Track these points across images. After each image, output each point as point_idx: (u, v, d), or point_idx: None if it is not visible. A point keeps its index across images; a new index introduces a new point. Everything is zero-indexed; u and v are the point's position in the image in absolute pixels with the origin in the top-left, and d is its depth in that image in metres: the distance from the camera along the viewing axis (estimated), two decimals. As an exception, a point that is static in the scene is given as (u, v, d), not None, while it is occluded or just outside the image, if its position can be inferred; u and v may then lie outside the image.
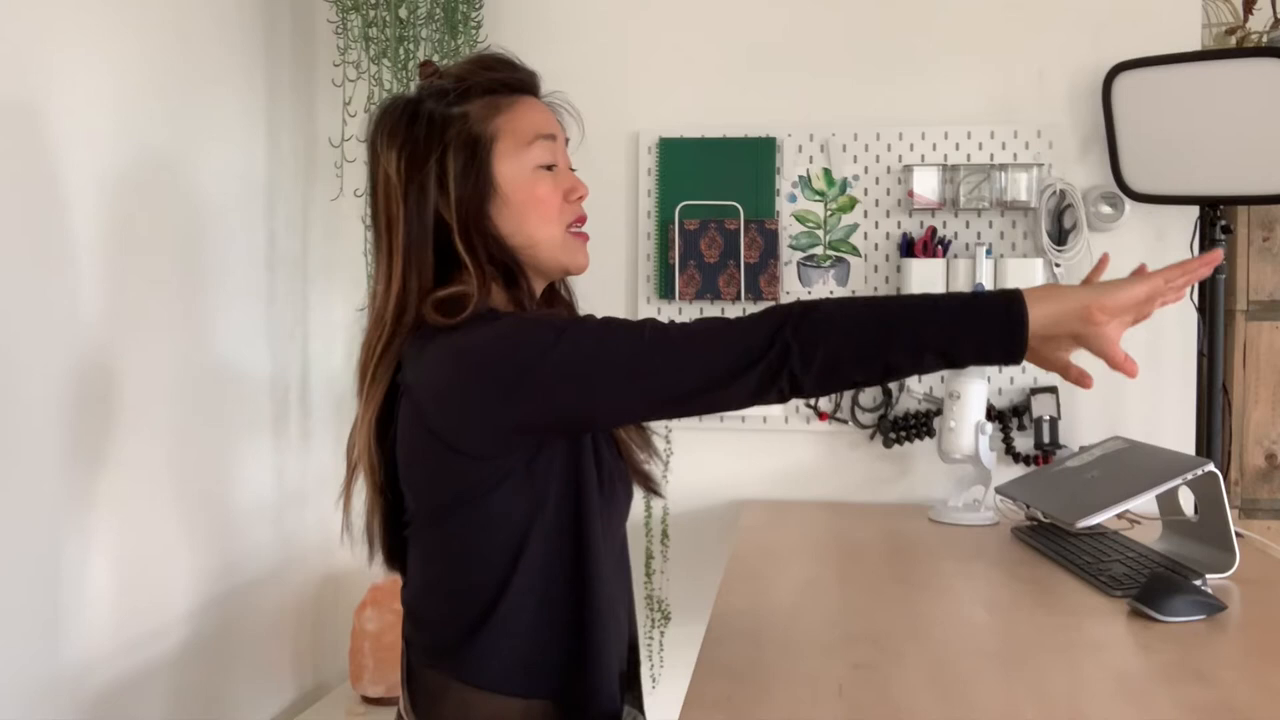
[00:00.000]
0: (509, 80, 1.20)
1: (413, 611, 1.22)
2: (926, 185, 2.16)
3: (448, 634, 1.17)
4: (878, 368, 1.04)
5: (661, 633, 2.26)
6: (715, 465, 2.25)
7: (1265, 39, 2.21)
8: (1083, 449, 1.95)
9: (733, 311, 2.24)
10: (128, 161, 1.68)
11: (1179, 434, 2.08)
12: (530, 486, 1.13)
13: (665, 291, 2.24)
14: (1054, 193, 2.12)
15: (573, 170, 1.24)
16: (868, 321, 1.05)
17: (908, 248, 2.15)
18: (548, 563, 1.14)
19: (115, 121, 1.65)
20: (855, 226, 2.21)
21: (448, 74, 1.21)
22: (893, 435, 2.18)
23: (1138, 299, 1.04)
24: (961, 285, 2.11)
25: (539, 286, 1.24)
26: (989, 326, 1.03)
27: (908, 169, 2.17)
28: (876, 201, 2.21)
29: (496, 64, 1.22)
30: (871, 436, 2.21)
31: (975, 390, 2.03)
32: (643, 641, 2.26)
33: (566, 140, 1.26)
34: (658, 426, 2.22)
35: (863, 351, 1.04)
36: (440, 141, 1.16)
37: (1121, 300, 1.03)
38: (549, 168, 1.19)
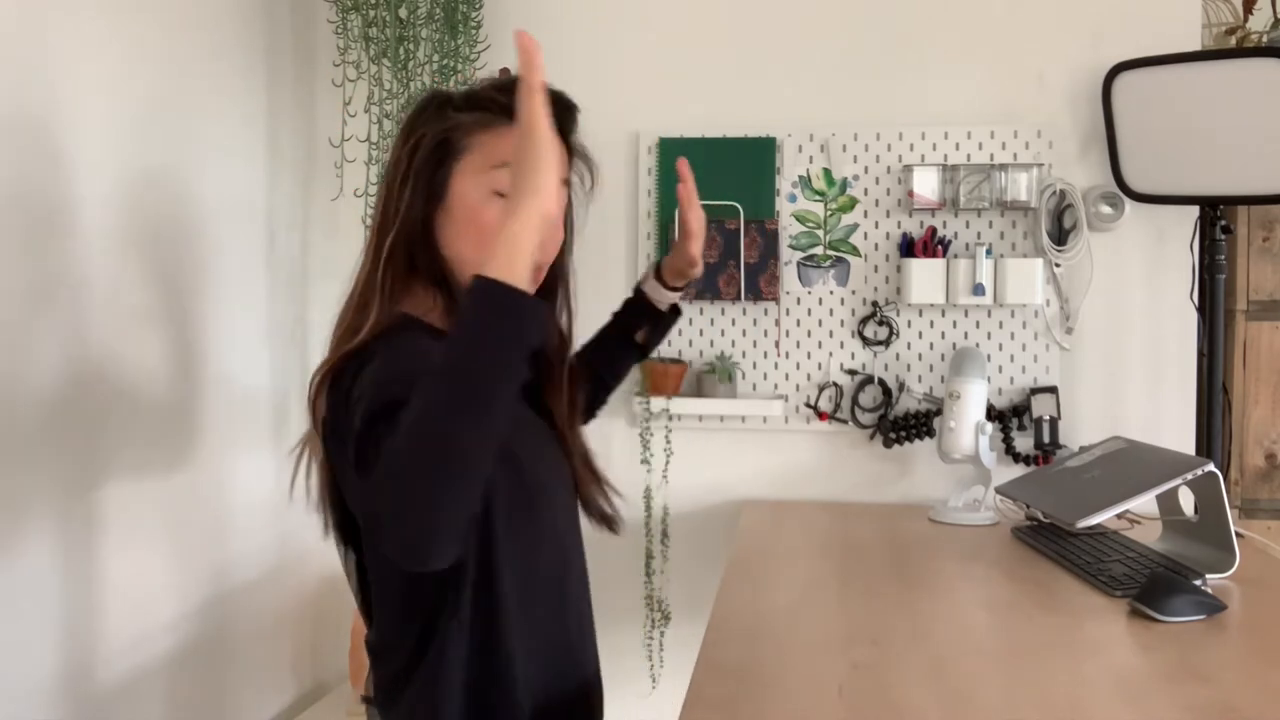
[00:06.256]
0: (513, 107, 1.17)
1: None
2: (926, 185, 2.16)
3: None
4: (461, 444, 0.88)
5: (661, 633, 2.26)
6: (715, 465, 2.25)
7: (1265, 39, 2.21)
8: (1083, 449, 1.95)
9: (732, 311, 2.25)
10: (130, 163, 1.67)
11: (1179, 434, 2.08)
12: None
13: (665, 291, 2.24)
14: (1054, 193, 2.12)
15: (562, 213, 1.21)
16: (423, 419, 0.89)
17: (908, 248, 2.15)
18: (421, 597, 1.12)
19: (118, 124, 1.65)
20: (855, 226, 2.21)
21: (479, 86, 1.22)
22: (893, 435, 2.18)
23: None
24: (961, 285, 2.11)
25: None
26: (497, 322, 0.92)
27: (908, 169, 2.17)
28: (876, 201, 2.21)
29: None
30: (871, 436, 2.21)
31: (975, 390, 2.03)
32: (642, 641, 2.26)
33: (566, 183, 1.23)
34: (658, 426, 2.24)
35: (437, 453, 0.88)
36: (424, 138, 1.17)
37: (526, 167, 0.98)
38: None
